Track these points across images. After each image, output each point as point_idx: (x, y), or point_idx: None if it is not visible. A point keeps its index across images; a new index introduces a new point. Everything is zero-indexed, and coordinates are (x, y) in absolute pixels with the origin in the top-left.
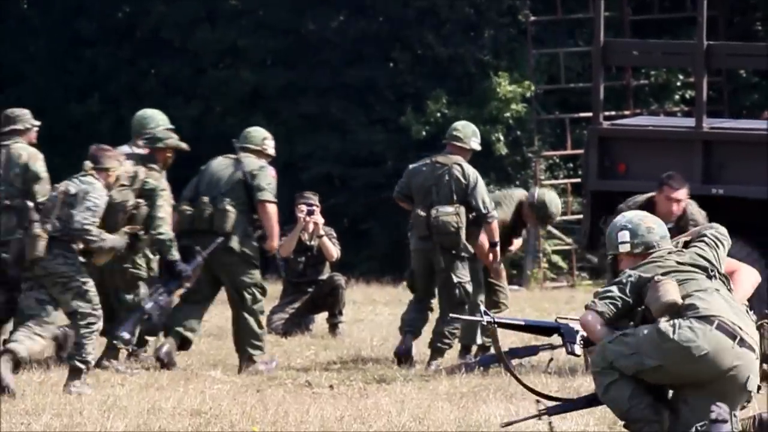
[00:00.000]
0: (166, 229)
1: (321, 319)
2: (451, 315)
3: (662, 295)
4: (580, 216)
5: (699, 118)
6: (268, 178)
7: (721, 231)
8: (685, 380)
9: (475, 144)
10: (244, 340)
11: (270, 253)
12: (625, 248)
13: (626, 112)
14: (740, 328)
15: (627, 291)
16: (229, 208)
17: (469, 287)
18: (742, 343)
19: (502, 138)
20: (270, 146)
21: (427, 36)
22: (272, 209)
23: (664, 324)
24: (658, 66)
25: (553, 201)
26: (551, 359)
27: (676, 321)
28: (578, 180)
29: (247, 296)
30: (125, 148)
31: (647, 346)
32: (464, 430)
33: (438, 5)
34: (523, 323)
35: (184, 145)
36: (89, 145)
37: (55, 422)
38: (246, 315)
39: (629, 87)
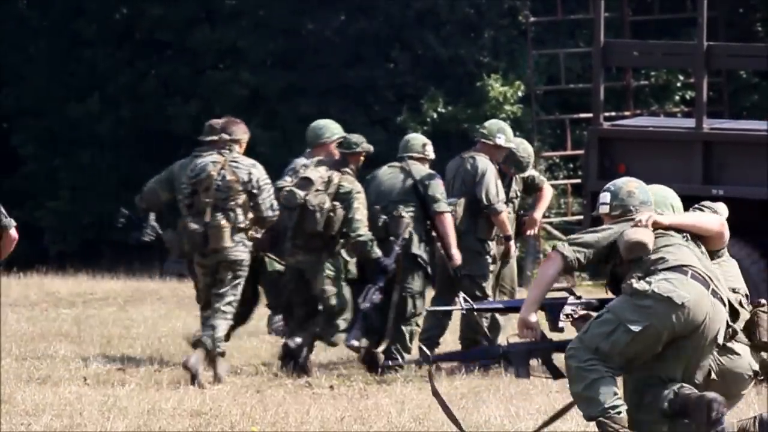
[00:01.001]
0: (364, 230)
1: None
2: (427, 308)
3: (633, 234)
4: (581, 217)
5: (699, 118)
6: (440, 188)
7: (706, 204)
8: (672, 335)
9: (501, 140)
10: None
11: (454, 269)
12: (604, 209)
13: (626, 113)
14: (711, 279)
15: (600, 239)
16: (403, 214)
17: (482, 281)
18: (715, 293)
19: None
20: (430, 151)
21: (427, 37)
22: (449, 219)
23: (637, 284)
24: (659, 67)
25: (521, 144)
26: None
27: (649, 278)
28: (578, 181)
29: (409, 304)
30: (302, 160)
31: (627, 313)
32: (464, 431)
33: (438, 6)
34: (501, 306)
35: (371, 148)
36: (89, 145)
37: (55, 423)
38: (401, 324)
39: (629, 88)
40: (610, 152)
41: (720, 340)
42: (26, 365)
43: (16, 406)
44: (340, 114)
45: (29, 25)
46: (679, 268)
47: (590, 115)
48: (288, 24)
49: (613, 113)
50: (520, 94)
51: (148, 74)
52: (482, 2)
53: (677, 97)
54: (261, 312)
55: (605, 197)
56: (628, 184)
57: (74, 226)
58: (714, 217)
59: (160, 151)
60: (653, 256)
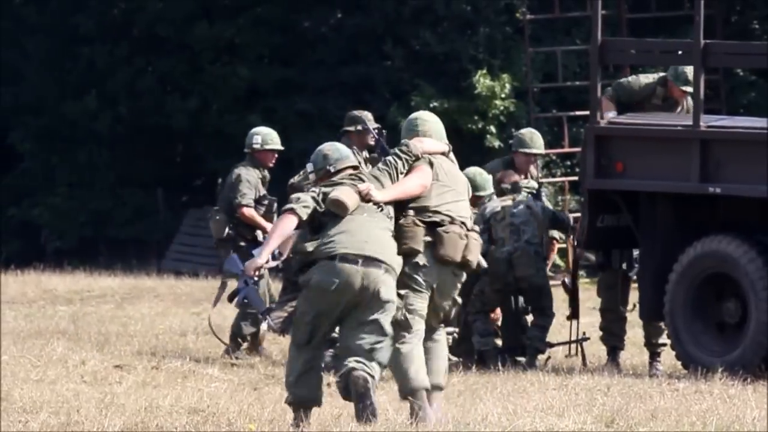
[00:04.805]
0: None
1: None
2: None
3: (340, 194)
4: (578, 214)
5: (696, 116)
6: None
7: (404, 149)
8: (342, 310)
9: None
10: None
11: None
12: (313, 177)
13: None
14: (362, 252)
15: (318, 201)
16: None
17: None
18: (367, 262)
19: (495, 130)
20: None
21: (423, 33)
22: None
23: (302, 277)
24: (656, 65)
25: (477, 171)
26: (548, 357)
27: (309, 272)
28: (575, 178)
29: None
30: None
31: (302, 305)
32: (461, 429)
33: (435, 2)
34: None
35: None
36: (86, 142)
37: (52, 420)
38: None
39: None
40: (608, 150)
41: (385, 298)
42: (24, 362)
43: (13, 403)
44: (336, 110)
45: (26, 22)
46: (331, 258)
47: (587, 112)
48: (285, 20)
49: None
50: (506, 86)
51: (146, 71)
52: None
53: None
54: None
55: (309, 167)
56: (322, 149)
57: (72, 223)
58: (414, 181)
59: (158, 147)
60: (332, 234)
